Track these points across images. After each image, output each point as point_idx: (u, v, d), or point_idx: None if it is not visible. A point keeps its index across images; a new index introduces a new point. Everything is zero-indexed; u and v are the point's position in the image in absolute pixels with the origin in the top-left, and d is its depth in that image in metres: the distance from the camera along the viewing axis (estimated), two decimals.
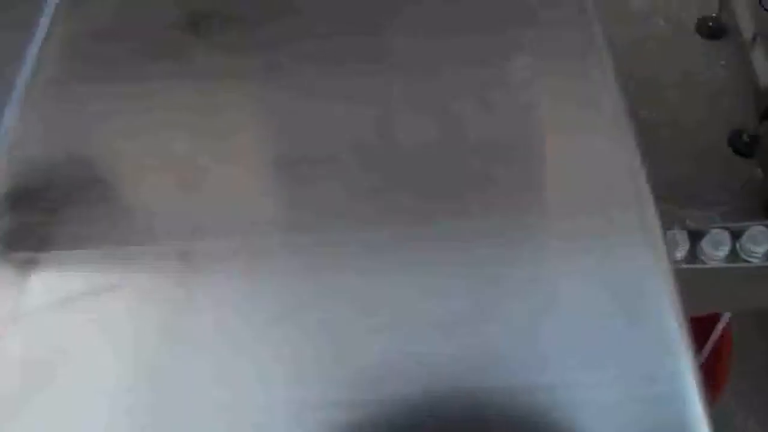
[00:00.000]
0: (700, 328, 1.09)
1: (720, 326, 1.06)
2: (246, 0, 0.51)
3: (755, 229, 0.55)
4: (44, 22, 0.52)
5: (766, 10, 1.73)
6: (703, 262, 0.56)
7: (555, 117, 0.47)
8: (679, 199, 1.60)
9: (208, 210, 0.45)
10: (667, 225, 0.56)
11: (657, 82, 1.74)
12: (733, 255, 0.56)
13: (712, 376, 1.11)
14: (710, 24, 1.79)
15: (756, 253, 0.55)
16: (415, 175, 0.46)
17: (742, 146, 1.62)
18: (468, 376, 0.40)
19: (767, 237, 0.55)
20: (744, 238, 0.55)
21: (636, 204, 0.43)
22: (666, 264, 0.41)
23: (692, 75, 1.75)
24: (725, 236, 0.55)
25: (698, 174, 1.67)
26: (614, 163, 0.43)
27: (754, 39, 1.61)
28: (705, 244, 0.54)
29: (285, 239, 0.45)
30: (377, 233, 0.45)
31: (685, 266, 0.55)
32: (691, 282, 0.58)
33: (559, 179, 0.45)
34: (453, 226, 0.44)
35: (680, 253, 0.55)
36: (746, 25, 1.66)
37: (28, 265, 0.43)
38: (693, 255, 0.56)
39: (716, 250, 0.54)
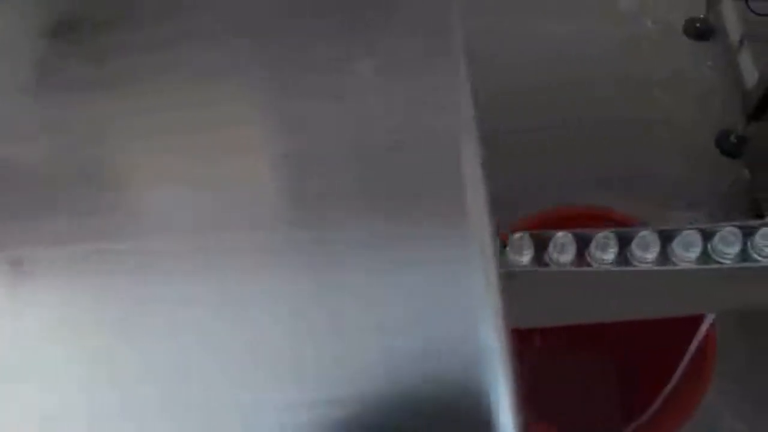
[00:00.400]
0: (682, 327, 1.09)
1: (704, 326, 1.07)
2: (116, 4, 0.51)
3: (727, 230, 0.55)
4: None
5: (753, 12, 1.73)
6: (675, 264, 0.56)
7: (405, 122, 0.46)
8: (665, 199, 1.61)
9: None
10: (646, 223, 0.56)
11: (645, 82, 1.75)
12: (705, 256, 0.56)
13: (697, 377, 1.12)
14: (698, 25, 1.80)
15: (728, 254, 0.55)
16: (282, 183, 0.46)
17: (729, 147, 1.63)
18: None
19: (739, 238, 0.55)
20: (716, 239, 0.55)
21: (470, 215, 0.43)
22: (494, 284, 0.40)
23: (680, 76, 1.76)
24: (696, 237, 0.55)
25: (685, 174, 1.68)
26: (454, 173, 0.42)
27: (741, 42, 1.62)
28: (676, 245, 0.54)
29: (250, 236, 0.45)
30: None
31: (656, 268, 0.55)
32: (663, 283, 0.58)
33: (401, 187, 0.45)
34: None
35: (651, 255, 0.55)
36: (733, 27, 1.67)
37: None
38: (664, 256, 0.56)
39: (687, 251, 0.54)
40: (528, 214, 1.26)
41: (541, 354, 1.34)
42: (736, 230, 0.58)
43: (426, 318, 0.41)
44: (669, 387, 1.16)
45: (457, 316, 0.41)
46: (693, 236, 0.57)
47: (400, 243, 0.43)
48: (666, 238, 0.57)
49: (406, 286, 0.42)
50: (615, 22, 1.86)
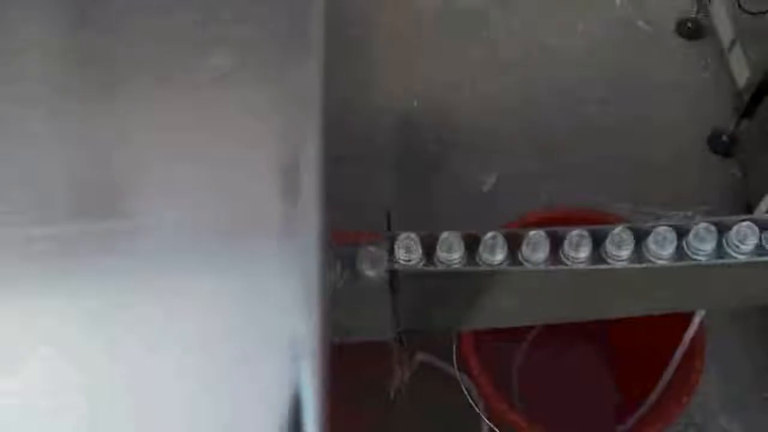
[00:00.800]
0: (673, 327, 1.09)
1: (695, 324, 1.07)
2: None
3: (701, 227, 0.55)
4: None
5: (744, 11, 1.73)
6: (650, 261, 0.55)
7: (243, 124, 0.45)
8: (660, 199, 1.61)
9: None
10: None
11: (639, 82, 1.75)
12: (679, 253, 0.56)
13: (687, 374, 1.11)
14: (689, 25, 1.80)
15: (702, 251, 0.55)
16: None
17: (721, 146, 1.63)
18: None
19: (714, 235, 0.55)
20: (690, 236, 0.55)
21: (297, 220, 0.40)
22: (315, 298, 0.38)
23: (672, 76, 1.76)
24: (671, 234, 0.55)
25: (678, 174, 1.68)
26: (290, 175, 0.40)
27: (732, 43, 1.62)
28: (650, 242, 0.54)
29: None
30: None
31: (630, 266, 0.55)
32: (640, 281, 0.58)
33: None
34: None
35: (625, 252, 0.55)
36: (724, 26, 1.67)
37: None
38: (639, 254, 0.55)
39: (662, 248, 0.54)
40: (523, 211, 1.26)
41: (531, 355, 1.35)
42: (711, 226, 0.57)
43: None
44: (659, 386, 1.16)
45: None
46: (667, 233, 0.57)
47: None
48: (640, 236, 0.57)
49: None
50: (607, 22, 1.86)
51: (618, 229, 0.57)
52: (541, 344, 1.33)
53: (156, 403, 0.38)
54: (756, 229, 0.55)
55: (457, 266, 0.51)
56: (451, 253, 0.50)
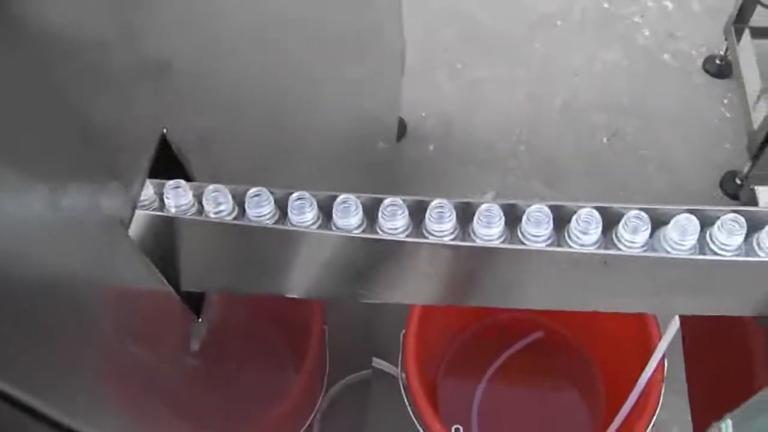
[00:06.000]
0: (642, 348, 1.04)
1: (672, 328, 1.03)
2: None
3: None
4: None
5: None
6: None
7: None
8: None
9: None
10: None
11: (656, 116, 1.69)
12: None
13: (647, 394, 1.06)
14: (718, 62, 1.73)
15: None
16: None
17: (733, 189, 1.56)
18: None
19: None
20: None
21: None
22: None
23: (692, 113, 1.69)
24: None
25: None
26: None
27: (754, 84, 1.55)
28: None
29: None
30: None
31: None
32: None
33: None
34: None
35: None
36: (749, 65, 1.60)
37: None
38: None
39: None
40: None
41: (497, 389, 1.30)
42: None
43: None
44: (626, 406, 1.10)
45: None
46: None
47: None
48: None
49: None
50: (632, 53, 1.81)
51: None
52: (503, 381, 1.29)
53: None
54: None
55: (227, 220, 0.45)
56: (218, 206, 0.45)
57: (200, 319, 0.49)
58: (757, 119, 1.51)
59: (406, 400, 1.06)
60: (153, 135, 0.44)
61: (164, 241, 0.45)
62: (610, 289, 0.54)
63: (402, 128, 1.67)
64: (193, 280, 0.47)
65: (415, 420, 1.05)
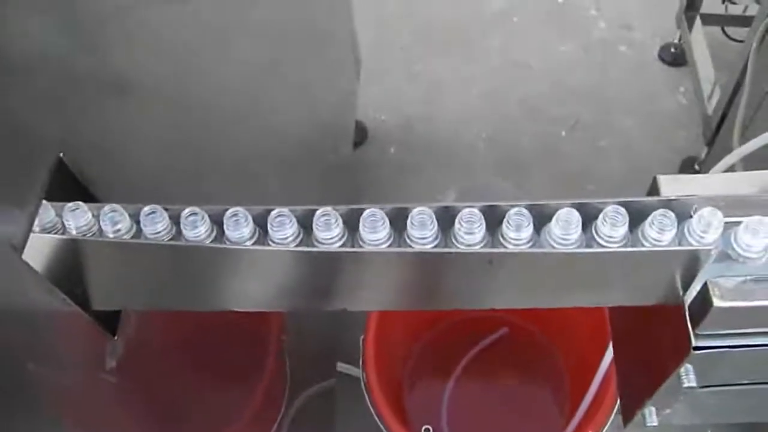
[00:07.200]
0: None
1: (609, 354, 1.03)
2: None
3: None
4: None
5: (729, 38, 1.68)
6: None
7: None
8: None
9: None
10: None
11: (617, 107, 1.70)
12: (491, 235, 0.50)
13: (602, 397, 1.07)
14: (673, 50, 1.75)
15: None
16: None
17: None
18: None
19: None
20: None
21: None
22: None
23: (648, 101, 1.70)
24: (479, 217, 0.49)
25: None
26: None
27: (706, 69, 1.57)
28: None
29: None
30: None
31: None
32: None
33: None
34: None
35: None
36: (702, 53, 1.62)
37: None
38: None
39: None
40: None
41: (466, 387, 1.31)
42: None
43: None
44: (588, 394, 1.11)
45: None
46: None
47: None
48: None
49: None
50: (589, 45, 1.83)
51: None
52: (471, 378, 1.30)
53: None
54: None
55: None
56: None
57: (116, 337, 0.49)
58: (711, 105, 1.53)
59: (369, 403, 1.07)
60: (47, 159, 0.44)
61: (69, 261, 0.45)
62: (495, 288, 0.53)
63: (362, 132, 1.67)
64: (105, 299, 0.48)
65: (379, 422, 1.06)
